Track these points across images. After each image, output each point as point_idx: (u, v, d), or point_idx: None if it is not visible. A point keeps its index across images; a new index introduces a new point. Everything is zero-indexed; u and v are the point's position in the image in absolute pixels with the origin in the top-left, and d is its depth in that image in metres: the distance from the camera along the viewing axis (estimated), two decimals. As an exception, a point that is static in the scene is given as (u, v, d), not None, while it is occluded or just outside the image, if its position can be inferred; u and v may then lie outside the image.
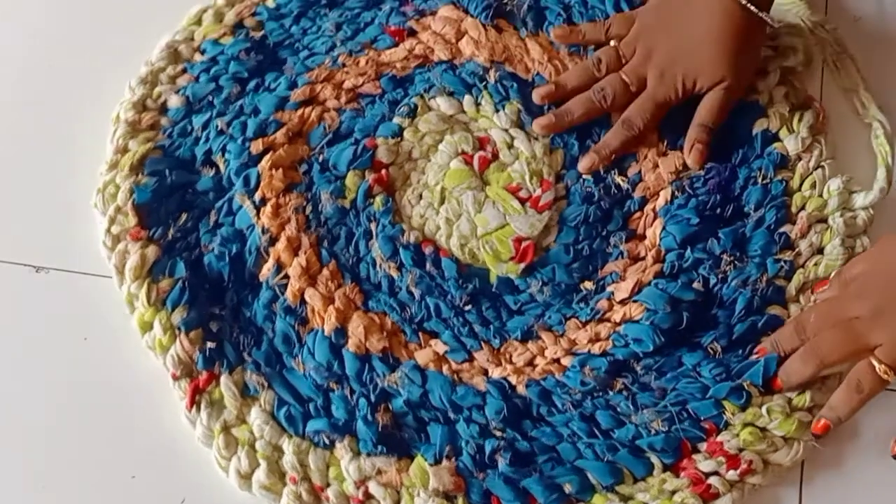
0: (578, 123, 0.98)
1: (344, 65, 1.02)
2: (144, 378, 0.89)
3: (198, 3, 1.06)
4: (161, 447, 0.87)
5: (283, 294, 0.91)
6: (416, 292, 0.92)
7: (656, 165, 0.97)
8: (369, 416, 0.86)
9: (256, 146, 0.96)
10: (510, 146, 0.99)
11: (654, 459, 0.85)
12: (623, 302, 0.92)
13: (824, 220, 0.95)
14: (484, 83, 1.01)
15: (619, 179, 0.97)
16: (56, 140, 1.01)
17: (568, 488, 0.83)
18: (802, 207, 0.96)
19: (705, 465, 0.84)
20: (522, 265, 0.94)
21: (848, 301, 0.86)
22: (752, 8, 0.96)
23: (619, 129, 0.97)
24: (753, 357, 0.88)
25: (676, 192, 0.96)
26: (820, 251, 0.94)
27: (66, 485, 0.86)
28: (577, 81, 1.00)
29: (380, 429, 0.85)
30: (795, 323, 0.88)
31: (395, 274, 0.93)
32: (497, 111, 1.00)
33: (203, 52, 1.04)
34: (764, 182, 0.96)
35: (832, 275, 0.91)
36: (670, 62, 0.97)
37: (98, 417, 0.89)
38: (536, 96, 0.99)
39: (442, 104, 1.00)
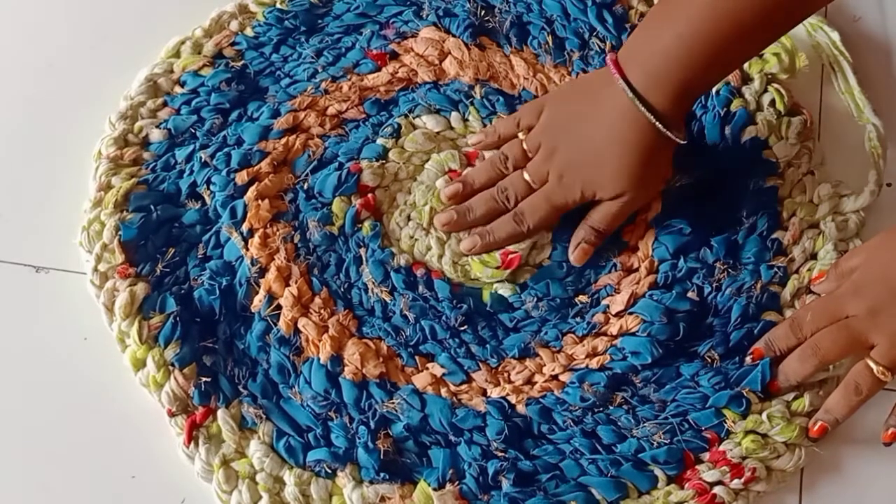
0: (481, 223, 0.95)
1: (327, 91, 1.02)
2: (144, 378, 0.90)
3: (175, 34, 1.05)
4: (161, 447, 0.87)
5: (276, 324, 0.90)
6: (410, 316, 0.91)
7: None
8: (370, 444, 0.85)
9: (242, 177, 0.96)
10: (498, 161, 0.99)
11: (657, 472, 0.85)
12: (619, 314, 0.91)
13: (816, 226, 0.96)
14: (470, 99, 1.01)
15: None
16: (56, 140, 1.01)
17: (573, 505, 0.83)
18: (794, 213, 0.96)
19: (709, 476, 0.84)
20: (507, 271, 0.94)
21: (844, 299, 0.86)
22: (660, 126, 0.88)
23: (510, 221, 0.94)
24: (748, 359, 0.88)
25: (667, 202, 0.95)
26: (813, 256, 0.95)
27: (67, 484, 0.86)
28: (483, 179, 0.96)
29: (381, 455, 0.84)
30: (791, 321, 0.88)
31: (387, 298, 0.92)
32: (485, 126, 1.00)
33: (183, 85, 1.03)
34: (755, 189, 0.96)
35: (829, 267, 0.92)
36: (571, 167, 0.92)
37: (98, 417, 0.88)
38: (444, 195, 0.97)
39: (428, 122, 1.00)
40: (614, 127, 0.89)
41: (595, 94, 0.92)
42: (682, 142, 0.90)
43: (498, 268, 0.94)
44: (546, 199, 0.93)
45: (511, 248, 0.94)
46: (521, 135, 0.96)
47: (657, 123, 0.88)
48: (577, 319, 0.92)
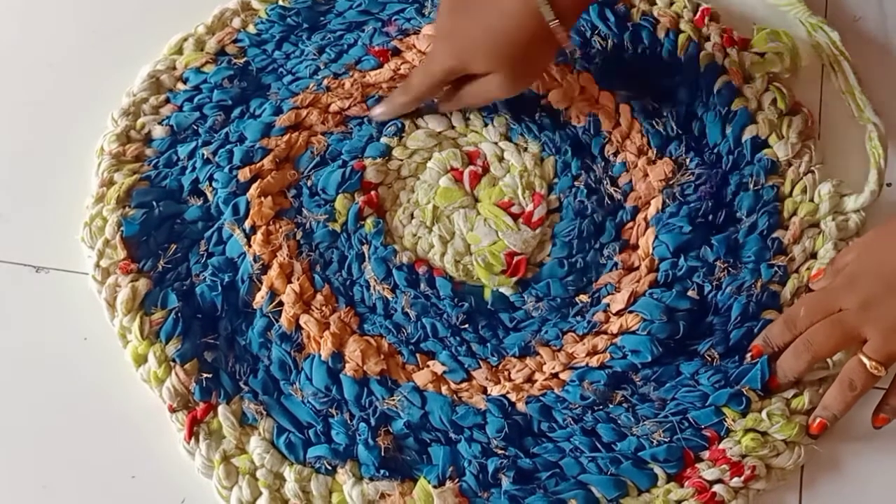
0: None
1: (329, 88, 1.02)
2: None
3: (178, 31, 1.05)
4: (161, 447, 0.87)
5: (277, 321, 0.90)
6: (412, 313, 0.91)
7: (646, 174, 0.97)
8: (370, 440, 0.85)
9: (244, 174, 0.96)
10: (500, 159, 0.99)
11: (657, 470, 0.85)
12: (619, 313, 0.92)
13: (816, 225, 0.96)
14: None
15: (611, 190, 0.97)
16: (57, 139, 1.01)
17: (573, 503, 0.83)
18: (794, 212, 0.96)
19: (709, 474, 0.84)
20: (514, 279, 0.94)
21: (836, 292, 0.86)
22: (548, 13, 0.88)
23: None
24: (748, 357, 0.88)
25: (667, 200, 0.96)
26: (813, 255, 0.95)
27: (67, 484, 0.86)
28: None
29: (381, 452, 0.85)
30: (785, 317, 0.88)
31: (389, 296, 0.92)
32: (486, 125, 1.00)
33: (185, 81, 1.03)
34: (755, 188, 0.96)
35: (826, 264, 0.92)
36: (460, 35, 0.93)
37: (98, 417, 0.88)
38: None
39: (430, 121, 1.00)
40: (505, 6, 0.89)
41: None
42: (563, 44, 0.90)
43: (503, 272, 0.94)
44: (425, 63, 0.97)
45: (516, 249, 0.94)
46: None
47: (546, 8, 0.87)
48: (578, 318, 0.92)
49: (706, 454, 0.86)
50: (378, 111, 1.00)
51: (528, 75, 0.96)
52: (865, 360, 0.83)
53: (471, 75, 0.94)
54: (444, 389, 0.88)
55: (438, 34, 0.96)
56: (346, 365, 0.89)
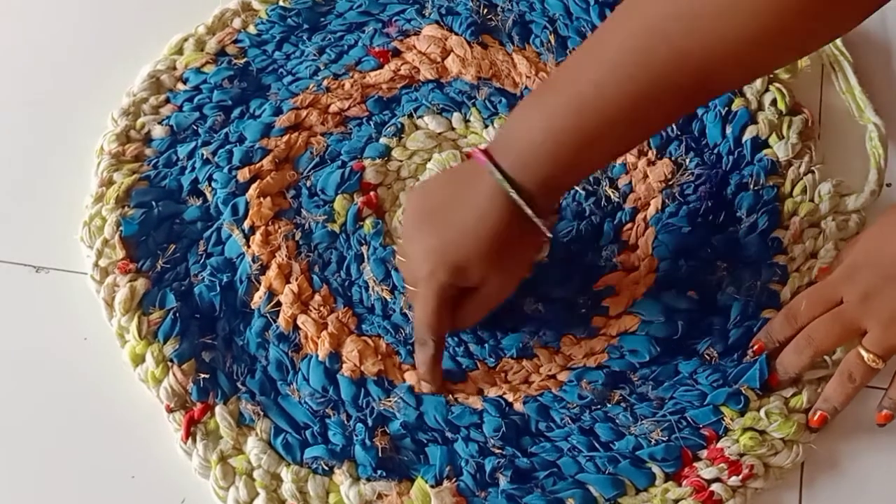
0: None
1: (329, 88, 1.02)
2: (144, 377, 0.90)
3: (178, 31, 1.06)
4: (161, 448, 0.87)
5: (275, 321, 0.90)
6: (410, 314, 0.91)
7: (646, 175, 0.97)
8: (367, 441, 0.85)
9: (243, 174, 0.96)
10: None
11: (655, 469, 0.84)
12: (618, 316, 0.91)
13: (816, 225, 0.96)
14: (472, 101, 1.01)
15: (609, 191, 0.96)
16: (57, 138, 1.02)
17: (571, 503, 0.83)
18: (794, 212, 0.96)
19: (707, 473, 0.84)
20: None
21: (837, 284, 0.86)
22: (526, 209, 0.81)
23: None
24: (750, 352, 0.88)
25: (667, 201, 0.95)
26: (813, 255, 0.94)
27: (67, 484, 0.86)
28: None
29: (378, 453, 0.84)
30: (787, 311, 0.88)
31: (388, 296, 0.92)
32: (486, 126, 1.00)
33: (186, 82, 1.03)
34: (755, 188, 0.96)
35: (833, 259, 0.92)
36: (438, 252, 0.85)
37: (98, 417, 0.88)
38: None
39: (430, 122, 1.00)
40: (481, 208, 0.82)
41: (463, 182, 0.85)
42: (548, 234, 0.84)
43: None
44: (418, 300, 0.87)
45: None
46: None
47: (524, 206, 0.81)
48: (577, 321, 0.92)
49: (704, 453, 0.85)
50: (426, 389, 0.89)
51: (522, 271, 0.89)
52: (864, 353, 0.83)
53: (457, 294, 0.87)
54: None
55: (414, 256, 0.86)
56: (344, 365, 0.89)
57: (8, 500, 0.86)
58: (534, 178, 0.81)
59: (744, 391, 0.86)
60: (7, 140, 1.02)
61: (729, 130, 0.99)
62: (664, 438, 0.85)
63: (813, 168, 0.98)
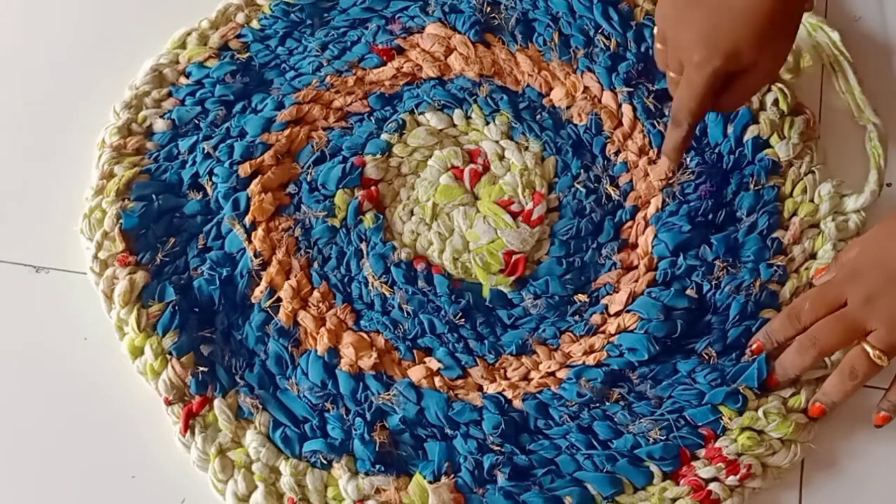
0: None
1: (331, 85, 1.02)
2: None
3: (181, 25, 1.06)
4: (161, 446, 0.87)
5: (275, 316, 0.90)
6: (409, 309, 0.91)
7: (647, 174, 0.97)
8: (366, 435, 0.85)
9: (244, 169, 0.96)
10: (501, 157, 0.99)
11: (653, 468, 0.84)
12: (617, 314, 0.91)
13: (816, 225, 0.96)
14: (474, 97, 1.01)
15: (610, 189, 0.96)
16: (58, 136, 1.01)
17: (568, 501, 0.83)
18: (794, 213, 0.96)
19: (705, 472, 0.84)
20: (513, 278, 0.93)
21: (840, 286, 0.86)
22: None
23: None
24: (748, 351, 0.88)
25: (667, 199, 0.95)
26: (813, 256, 0.94)
27: (67, 484, 0.86)
28: None
29: (377, 447, 0.84)
30: (788, 312, 0.88)
31: (387, 292, 0.92)
32: (487, 123, 1.00)
33: (188, 76, 1.03)
34: (756, 188, 0.96)
35: (831, 259, 0.92)
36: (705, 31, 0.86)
37: (98, 417, 0.89)
38: None
39: (431, 119, 1.00)
40: None
41: None
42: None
43: (501, 271, 0.94)
44: (684, 81, 0.88)
45: (514, 248, 0.94)
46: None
47: None
48: (576, 318, 0.92)
49: (702, 452, 0.85)
50: (662, 164, 0.93)
51: (786, 50, 0.89)
52: (869, 349, 0.83)
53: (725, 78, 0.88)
54: (437, 383, 0.88)
55: (682, 41, 0.87)
56: (342, 360, 0.89)
57: (9, 499, 0.86)
58: None
59: (742, 391, 0.86)
60: (7, 140, 1.02)
61: (730, 130, 0.99)
62: (662, 437, 0.85)
63: (813, 168, 0.98)
